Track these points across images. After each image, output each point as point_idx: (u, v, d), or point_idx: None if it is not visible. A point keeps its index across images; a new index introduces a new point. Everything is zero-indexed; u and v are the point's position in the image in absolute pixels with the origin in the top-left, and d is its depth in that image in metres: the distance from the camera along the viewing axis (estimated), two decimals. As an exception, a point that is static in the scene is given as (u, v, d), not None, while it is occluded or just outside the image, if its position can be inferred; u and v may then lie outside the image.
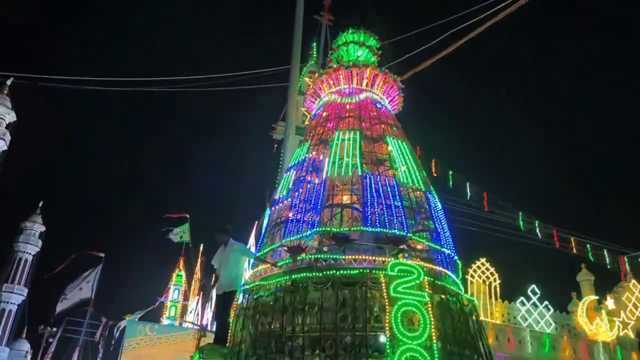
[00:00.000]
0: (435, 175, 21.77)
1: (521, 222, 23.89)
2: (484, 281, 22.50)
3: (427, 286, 10.60)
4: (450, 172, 22.35)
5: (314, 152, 13.96)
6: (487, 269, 22.46)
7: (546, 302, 23.05)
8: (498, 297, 22.34)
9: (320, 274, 10.77)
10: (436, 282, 11.17)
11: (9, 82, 36.95)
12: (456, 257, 12.80)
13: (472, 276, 22.43)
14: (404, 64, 20.00)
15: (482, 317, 22.27)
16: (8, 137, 37.88)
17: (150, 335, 21.38)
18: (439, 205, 13.57)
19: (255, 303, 11.16)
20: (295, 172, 13.78)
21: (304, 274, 10.88)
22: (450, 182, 22.68)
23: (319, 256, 11.41)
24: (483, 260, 22.66)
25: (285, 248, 11.83)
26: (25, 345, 48.13)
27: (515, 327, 22.31)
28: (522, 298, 22.79)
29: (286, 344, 10.14)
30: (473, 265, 22.38)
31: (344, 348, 9.97)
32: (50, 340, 41.96)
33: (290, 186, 13.43)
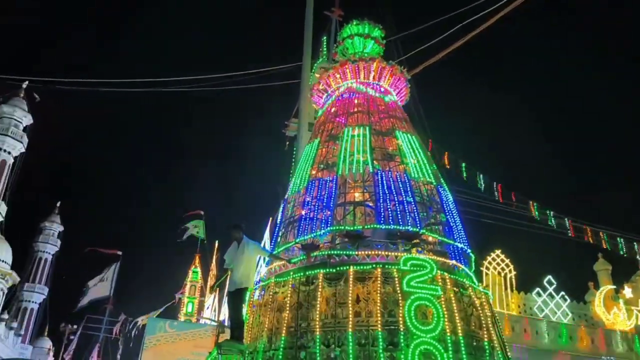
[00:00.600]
0: (448, 167, 21.71)
1: (536, 213, 23.72)
2: (499, 273, 22.45)
3: (439, 280, 10.69)
4: (464, 165, 22.26)
5: (324, 149, 14.00)
6: (502, 260, 22.41)
7: (562, 293, 22.93)
8: (514, 288, 22.27)
9: (334, 270, 10.86)
10: (449, 275, 11.21)
11: (24, 86, 37.55)
12: (469, 250, 12.83)
13: (487, 268, 22.40)
14: (414, 58, 19.97)
15: (497, 309, 22.21)
16: (25, 140, 38.53)
17: (170, 332, 21.75)
18: (451, 199, 13.58)
19: (270, 299, 11.28)
20: (306, 169, 13.81)
21: (318, 270, 10.98)
22: (464, 174, 22.57)
23: (333, 252, 11.48)
24: (498, 251, 22.61)
25: (299, 246, 11.93)
26: (47, 343, 49.14)
27: (532, 318, 22.23)
28: (538, 289, 22.70)
29: (301, 339, 10.22)
30: (488, 257, 22.34)
31: (358, 342, 10.03)
32: (71, 337, 42.81)
33: (302, 184, 13.48)
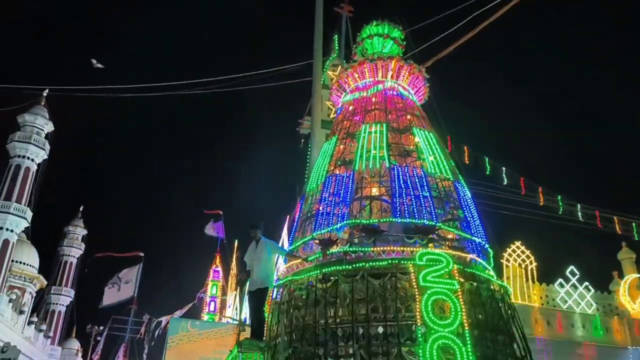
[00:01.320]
0: (467, 162, 21.59)
1: (560, 204, 23.41)
2: (519, 264, 22.23)
3: (456, 274, 10.65)
4: (486, 159, 22.10)
5: (341, 146, 14.10)
6: (523, 252, 22.19)
7: (586, 283, 22.60)
8: (535, 279, 22.04)
9: (350, 267, 10.93)
10: (466, 269, 11.18)
11: (45, 94, 38.26)
12: (487, 245, 12.77)
13: (508, 260, 22.21)
14: (426, 51, 19.83)
15: (519, 301, 21.96)
16: (48, 147, 39.30)
17: (192, 331, 22.12)
18: (468, 194, 13.55)
19: (289, 297, 11.42)
20: (324, 165, 13.92)
21: (334, 267, 11.06)
22: (488, 169, 22.44)
23: (348, 249, 11.55)
24: (518, 243, 22.39)
25: (317, 241, 12.03)
26: (75, 344, 50.19)
27: (560, 310, 21.95)
28: (560, 280, 22.42)
29: (320, 335, 10.33)
30: (508, 249, 22.16)
31: (376, 338, 10.13)
32: (98, 338, 43.69)
33: (319, 180, 13.59)
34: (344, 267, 10.98)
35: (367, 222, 12.07)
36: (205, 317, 33.83)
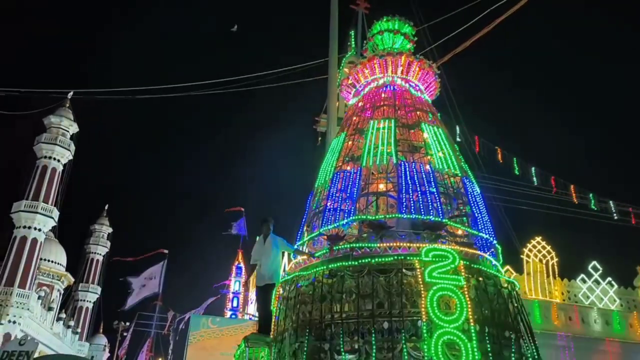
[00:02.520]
0: (502, 162, 21.45)
1: (592, 201, 22.96)
2: (540, 260, 21.95)
3: (462, 270, 10.59)
4: (515, 159, 21.88)
5: (350, 142, 14.10)
6: (544, 247, 21.90)
7: (609, 278, 22.16)
8: (556, 275, 21.71)
9: (356, 263, 10.94)
10: (472, 265, 11.10)
11: (69, 96, 39.21)
12: (495, 242, 12.66)
13: (528, 255, 21.94)
14: (443, 46, 19.66)
15: (540, 297, 21.67)
16: (73, 147, 40.31)
17: (213, 328, 22.47)
18: (477, 190, 13.44)
19: (295, 293, 11.46)
20: (332, 162, 13.94)
21: (341, 263, 11.09)
22: (516, 169, 22.26)
23: (355, 245, 11.59)
24: (539, 239, 22.10)
25: (325, 237, 12.06)
26: (103, 340, 51.46)
27: (581, 306, 21.61)
28: (582, 275, 22.04)
29: (326, 331, 10.37)
30: (528, 244, 21.89)
31: (382, 333, 10.12)
32: (125, 334, 44.64)
33: (327, 176, 13.63)
34: (350, 263, 11.00)
35: (374, 217, 12.05)
36: (228, 314, 34.28)
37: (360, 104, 15.27)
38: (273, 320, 11.02)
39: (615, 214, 23.05)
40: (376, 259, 10.90)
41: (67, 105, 40.30)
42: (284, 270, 13.87)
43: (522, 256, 22.04)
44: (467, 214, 12.63)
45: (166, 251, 35.43)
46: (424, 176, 12.48)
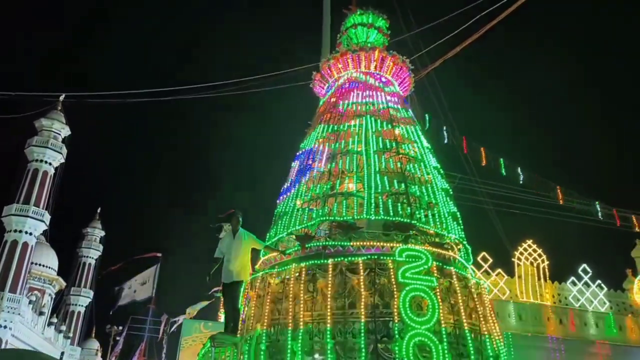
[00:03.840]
0: (485, 164, 21.59)
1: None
2: (531, 263, 22.15)
3: (435, 271, 10.55)
4: (502, 160, 22.06)
5: (320, 139, 13.74)
6: (535, 251, 22.09)
7: (599, 281, 22.41)
8: (547, 278, 21.92)
9: (328, 261, 10.71)
10: (444, 266, 11.05)
11: (61, 99, 38.96)
12: (465, 241, 12.61)
13: (519, 259, 22.13)
14: (434, 51, 19.79)
15: (531, 300, 21.89)
16: (65, 151, 40.02)
17: (205, 332, 22.35)
18: (449, 190, 13.39)
19: (265, 291, 11.12)
20: (302, 160, 13.63)
21: (313, 261, 10.85)
22: (503, 170, 22.43)
23: (328, 243, 11.32)
24: (529, 242, 22.31)
25: (294, 237, 11.76)
26: (95, 344, 51.03)
27: (573, 309, 21.83)
28: (573, 278, 22.26)
29: (296, 330, 10.10)
30: (519, 247, 22.08)
31: (353, 334, 9.94)
32: (117, 338, 44.36)
33: (296, 175, 13.34)
34: (322, 261, 10.76)
35: (342, 218, 11.79)
36: (222, 318, 34.13)
37: (333, 99, 14.92)
38: (240, 319, 10.59)
39: (600, 215, 23.30)
40: (349, 258, 10.70)
41: (59, 108, 39.96)
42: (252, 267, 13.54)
43: (513, 259, 22.22)
44: (438, 214, 12.39)
45: (159, 254, 35.30)
46: (394, 176, 12.26)
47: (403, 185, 12.27)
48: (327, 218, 11.89)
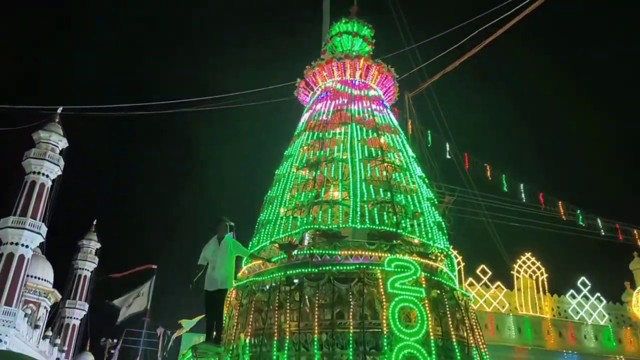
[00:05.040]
0: (490, 179, 21.64)
1: (580, 217, 23.32)
2: (530, 276, 22.21)
3: (423, 282, 10.41)
4: (504, 176, 22.19)
5: (305, 147, 13.54)
6: (533, 263, 22.14)
7: (598, 294, 22.47)
8: (546, 291, 21.97)
9: (316, 270, 10.47)
10: (432, 277, 10.94)
11: (59, 111, 38.97)
12: (450, 252, 12.53)
13: (518, 271, 22.19)
14: (433, 65, 19.97)
15: (530, 312, 21.93)
16: (62, 163, 39.94)
17: (205, 345, 22.25)
18: (434, 199, 13.28)
19: (249, 299, 10.77)
20: (288, 167, 13.39)
21: (299, 270, 10.56)
22: (504, 186, 22.54)
23: (315, 251, 11.06)
24: (528, 254, 22.38)
25: (277, 245, 11.51)
26: (89, 358, 50.47)
27: (577, 322, 21.86)
28: (572, 291, 22.31)
29: (281, 341, 9.81)
30: (518, 260, 22.15)
31: (342, 345, 9.71)
32: (112, 351, 43.92)
33: (283, 182, 13.08)
34: (309, 269, 10.49)
35: (327, 227, 11.53)
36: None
37: (317, 106, 14.71)
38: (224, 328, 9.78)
39: (602, 230, 23.41)
40: (337, 267, 10.46)
41: (57, 120, 40.00)
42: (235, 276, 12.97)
43: (512, 272, 22.27)
44: (424, 224, 12.26)
45: (155, 266, 35.07)
46: (380, 184, 12.11)
47: (389, 194, 12.10)
48: (312, 226, 11.66)
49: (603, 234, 24.19)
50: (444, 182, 18.04)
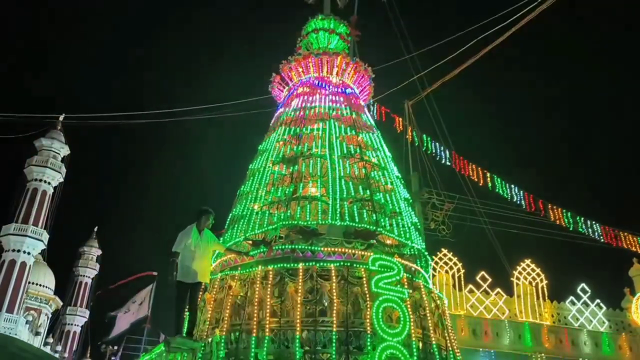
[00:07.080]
0: (490, 186, 21.70)
1: (580, 224, 23.44)
2: (530, 282, 22.29)
3: (406, 282, 10.36)
4: (498, 179, 22.28)
5: (281, 142, 13.27)
6: (533, 270, 22.22)
7: (598, 300, 22.55)
8: (546, 297, 22.06)
9: (298, 265, 10.17)
10: (413, 279, 10.90)
11: (61, 119, 39.23)
12: (425, 253, 12.44)
13: (518, 278, 22.27)
14: (432, 74, 20.14)
15: (530, 319, 22.09)
16: (64, 170, 40.08)
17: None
18: (410, 199, 13.22)
19: (224, 294, 10.38)
20: (262, 163, 13.11)
21: (281, 265, 10.26)
22: (505, 192, 22.63)
23: (297, 246, 10.76)
24: (528, 261, 22.47)
25: (250, 242, 11.17)
26: (90, 364, 50.49)
27: (575, 329, 21.95)
28: (571, 297, 22.39)
29: (259, 337, 9.48)
30: (518, 266, 22.24)
31: (323, 344, 9.49)
32: (113, 358, 43.86)
33: (257, 178, 12.78)
34: (291, 265, 10.21)
35: (304, 223, 11.20)
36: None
37: (293, 102, 14.40)
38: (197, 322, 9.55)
39: (601, 238, 23.51)
40: (320, 263, 10.21)
41: (59, 127, 40.21)
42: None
43: (512, 279, 22.35)
44: (400, 223, 12.11)
45: (155, 273, 35.11)
46: (358, 182, 11.97)
47: (368, 192, 11.94)
48: (290, 222, 11.32)
49: (602, 241, 24.31)
50: (444, 190, 18.14)
